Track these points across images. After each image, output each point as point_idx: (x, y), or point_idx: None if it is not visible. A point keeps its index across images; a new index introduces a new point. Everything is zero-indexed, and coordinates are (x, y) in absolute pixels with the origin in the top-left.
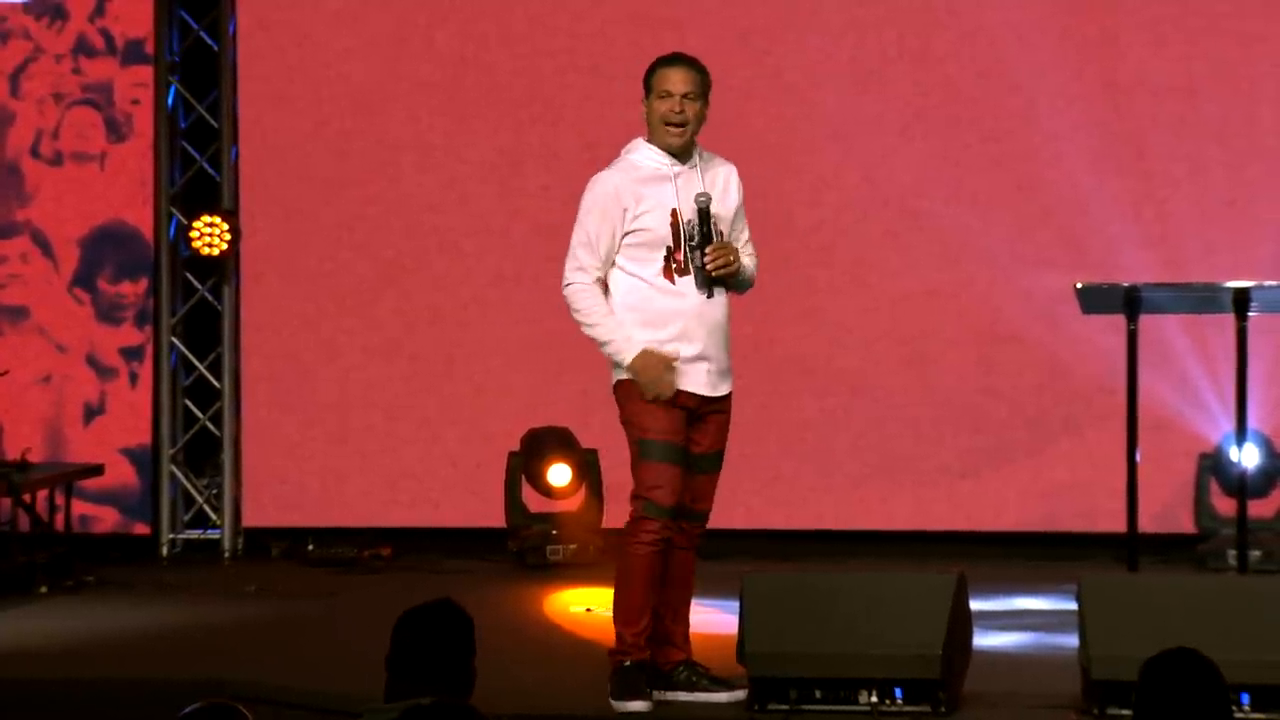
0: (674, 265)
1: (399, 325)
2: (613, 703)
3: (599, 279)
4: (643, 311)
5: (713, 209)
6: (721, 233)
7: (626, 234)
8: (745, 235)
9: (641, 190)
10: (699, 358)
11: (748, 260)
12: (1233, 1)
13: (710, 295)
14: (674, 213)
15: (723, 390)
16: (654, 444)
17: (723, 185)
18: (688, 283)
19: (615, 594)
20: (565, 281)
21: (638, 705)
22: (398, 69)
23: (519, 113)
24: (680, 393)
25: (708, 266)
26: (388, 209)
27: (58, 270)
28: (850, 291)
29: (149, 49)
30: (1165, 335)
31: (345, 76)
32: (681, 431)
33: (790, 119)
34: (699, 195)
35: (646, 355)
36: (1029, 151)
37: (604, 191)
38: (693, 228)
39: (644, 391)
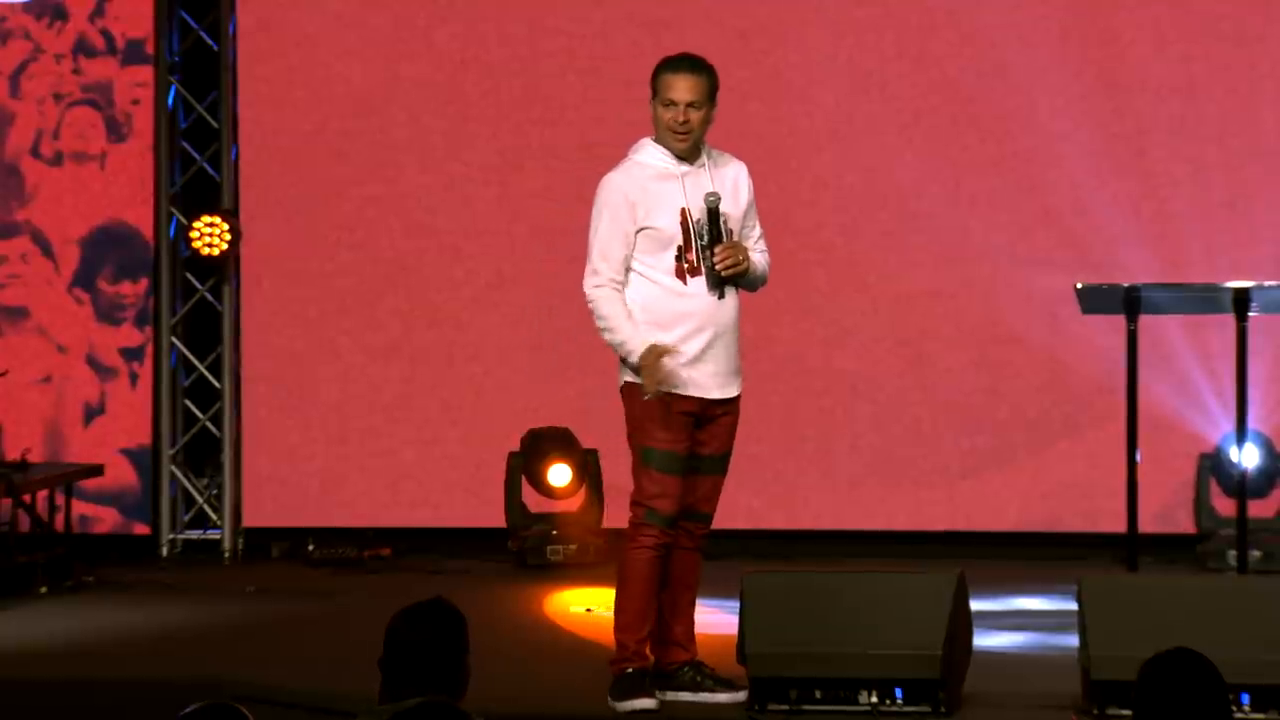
0: (686, 265)
1: (399, 325)
2: (614, 704)
3: (618, 283)
4: (653, 312)
5: (723, 208)
6: (731, 232)
7: (638, 233)
8: (757, 232)
9: (650, 189)
10: (706, 360)
11: (759, 257)
12: (1233, 1)
13: (721, 296)
14: (683, 212)
15: (730, 392)
16: (657, 453)
17: (732, 184)
18: (699, 283)
19: (616, 601)
20: (586, 292)
21: (644, 703)
22: (398, 69)
23: (519, 113)
24: (685, 398)
25: (717, 266)
26: (388, 209)
27: (58, 270)
28: (850, 292)
29: (149, 49)
30: (1165, 335)
31: (345, 76)
32: (685, 440)
33: (790, 119)
34: (709, 195)
35: (649, 351)
36: (1029, 152)
37: (612, 193)
38: (702, 227)
39: (644, 387)
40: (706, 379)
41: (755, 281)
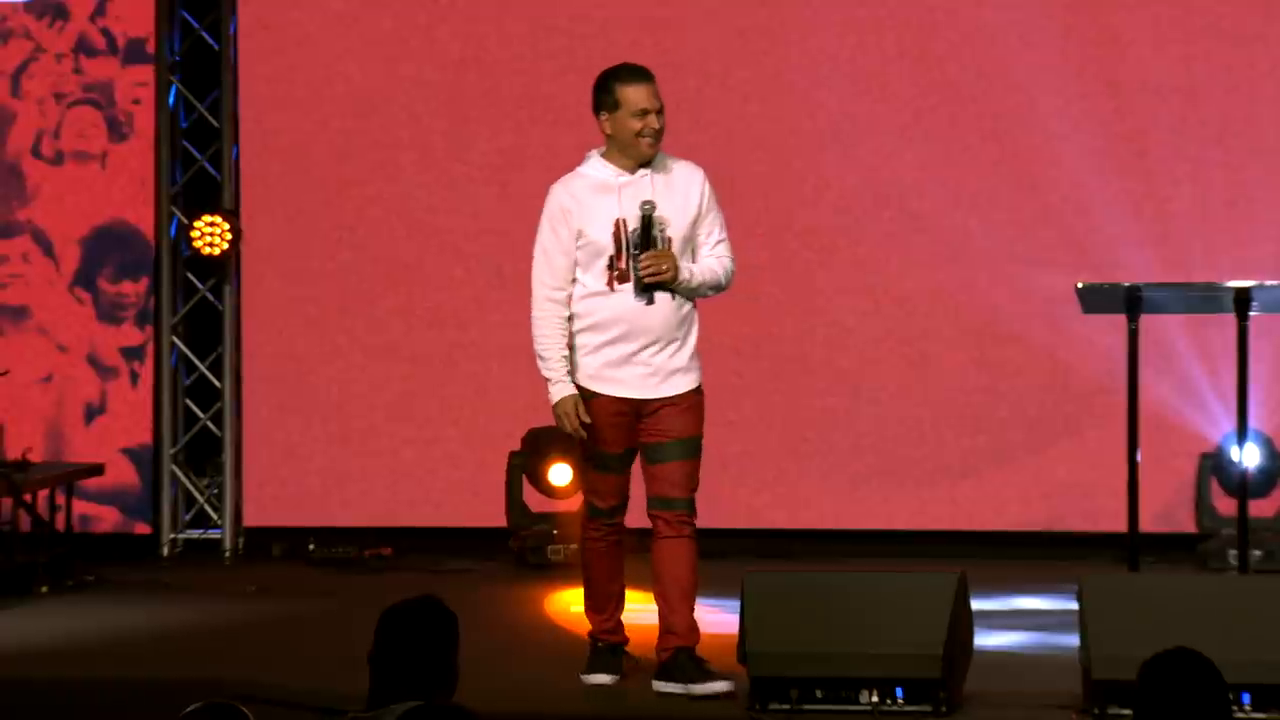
0: (615, 273)
1: (399, 325)
2: (581, 677)
3: (558, 300)
4: (587, 317)
5: (669, 215)
6: (670, 239)
7: (576, 242)
8: (715, 238)
9: (585, 201)
10: (634, 362)
11: (710, 264)
12: (1233, 1)
13: (650, 302)
14: (617, 223)
15: (667, 392)
16: (595, 452)
17: (682, 190)
18: (627, 289)
19: (582, 589)
20: (532, 300)
21: (601, 678)
22: (398, 69)
23: (519, 113)
24: (615, 399)
25: (640, 273)
26: (388, 209)
27: (59, 270)
28: (850, 292)
29: (150, 48)
30: (1166, 335)
31: (345, 76)
32: (620, 440)
33: (790, 119)
34: (643, 203)
35: (565, 403)
36: (1029, 152)
37: (553, 205)
38: (635, 235)
39: (559, 424)
40: (636, 380)
41: (699, 289)
